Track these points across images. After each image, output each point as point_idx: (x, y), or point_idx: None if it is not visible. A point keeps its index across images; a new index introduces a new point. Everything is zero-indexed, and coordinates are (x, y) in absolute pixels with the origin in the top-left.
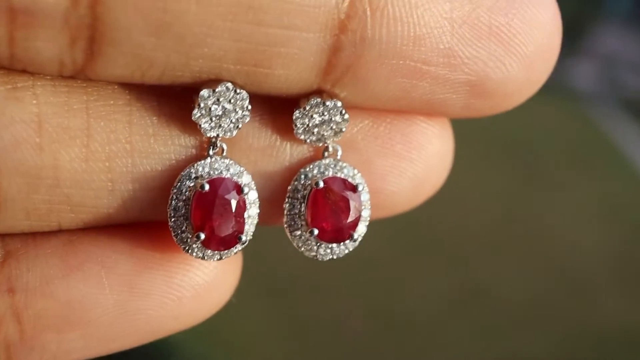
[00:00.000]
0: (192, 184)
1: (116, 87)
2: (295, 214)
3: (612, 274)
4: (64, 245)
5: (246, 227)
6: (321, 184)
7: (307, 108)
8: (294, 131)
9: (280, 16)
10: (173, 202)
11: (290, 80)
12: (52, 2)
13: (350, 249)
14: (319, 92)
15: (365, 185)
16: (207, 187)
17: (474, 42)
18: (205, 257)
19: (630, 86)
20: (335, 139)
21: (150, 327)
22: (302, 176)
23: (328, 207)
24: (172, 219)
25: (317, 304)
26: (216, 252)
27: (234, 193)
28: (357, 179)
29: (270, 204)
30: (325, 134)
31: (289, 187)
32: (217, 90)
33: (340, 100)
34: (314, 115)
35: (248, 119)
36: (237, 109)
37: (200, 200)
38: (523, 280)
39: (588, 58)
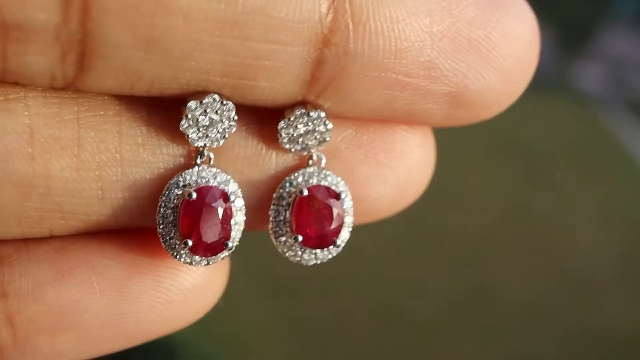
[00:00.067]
0: (180, 192)
1: (106, 98)
2: (281, 220)
3: (615, 274)
4: (55, 251)
5: (233, 233)
6: (305, 192)
7: (292, 119)
8: (279, 141)
9: (265, 31)
10: (161, 209)
11: (275, 92)
12: (43, 18)
13: (334, 254)
14: (303, 103)
15: (349, 192)
16: (194, 195)
17: (454, 54)
18: (193, 263)
19: (637, 88)
20: (319, 148)
21: (140, 330)
22: (287, 184)
23: (312, 214)
24: (161, 226)
25: (320, 304)
26: (203, 258)
27: (220, 201)
28: (341, 186)
29: (256, 210)
30: (310, 143)
31: (274, 195)
32: (204, 101)
33: (324, 110)
34: (299, 126)
35: (234, 129)
36: (224, 120)
37: (188, 208)
38: (526, 280)
39: (595, 60)
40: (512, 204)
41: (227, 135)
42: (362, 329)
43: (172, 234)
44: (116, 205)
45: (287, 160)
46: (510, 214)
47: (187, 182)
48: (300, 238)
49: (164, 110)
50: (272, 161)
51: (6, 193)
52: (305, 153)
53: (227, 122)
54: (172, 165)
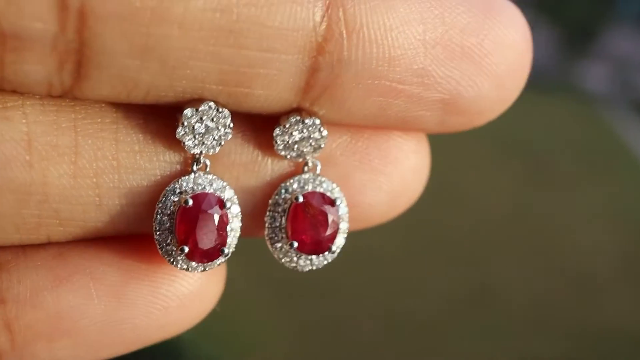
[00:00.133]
0: (176, 199)
1: (103, 106)
2: (276, 226)
3: (618, 274)
4: (53, 258)
5: (229, 240)
6: (301, 198)
7: (287, 126)
8: (275, 147)
9: (260, 40)
10: (158, 216)
11: (270, 99)
12: (41, 28)
13: (329, 260)
14: (298, 110)
15: (344, 199)
16: (190, 202)
17: (447, 62)
18: (190, 269)
19: None
20: (314, 155)
21: (137, 335)
22: (283, 190)
23: (307, 220)
24: (158, 233)
25: (322, 305)
26: (200, 264)
27: (216, 208)
28: (336, 193)
29: (252, 217)
30: (305, 150)
31: (270, 201)
32: (200, 109)
33: (318, 117)
34: (294, 133)
35: (230, 136)
36: (220, 127)
37: (185, 215)
38: (528, 280)
39: (599, 60)
40: (515, 204)
41: (222, 143)
42: (363, 330)
43: (168, 241)
44: (113, 212)
45: (282, 167)
46: (513, 214)
47: (184, 188)
48: (295, 244)
49: (160, 118)
50: (268, 168)
51: (4, 200)
52: (300, 160)
53: (222, 130)
54: (168, 172)
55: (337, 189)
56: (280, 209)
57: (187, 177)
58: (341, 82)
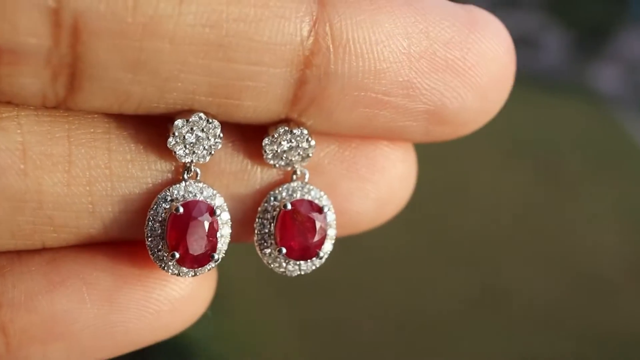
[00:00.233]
0: (167, 207)
1: (96, 116)
2: (265, 233)
3: (630, 275)
4: (47, 263)
5: (219, 245)
6: (289, 206)
7: (276, 135)
8: (264, 157)
9: (249, 53)
10: (150, 223)
11: (259, 110)
12: (35, 43)
13: (317, 266)
14: (286, 121)
15: (331, 206)
16: (181, 209)
17: (431, 74)
18: (181, 274)
19: None
20: (302, 164)
21: (129, 339)
22: (272, 198)
23: (296, 227)
24: (149, 239)
25: (332, 305)
26: (191, 269)
27: (207, 215)
28: (324, 200)
29: (242, 224)
30: (293, 159)
31: (259, 209)
32: (190, 120)
33: (306, 128)
34: (282, 142)
35: (220, 145)
36: (210, 137)
37: (175, 222)
38: (538, 280)
39: (612, 61)
40: (525, 204)
41: (213, 152)
42: (374, 330)
43: (160, 247)
44: (106, 219)
45: (271, 175)
46: (523, 214)
47: (175, 196)
48: (284, 250)
49: (152, 128)
50: (257, 176)
51: (0, 207)
52: (289, 168)
53: (213, 139)
54: (160, 181)
55: (325, 196)
56: (269, 216)
57: (178, 185)
58: (328, 94)
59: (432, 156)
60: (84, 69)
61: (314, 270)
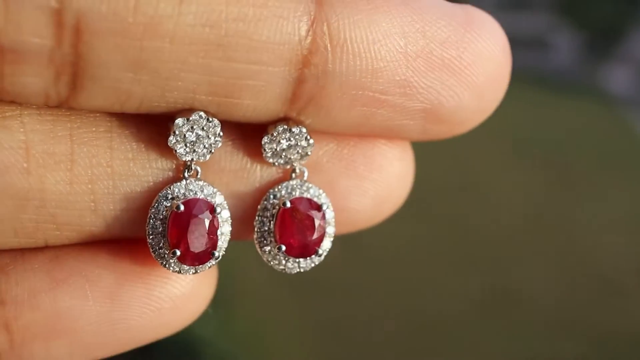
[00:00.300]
0: (168, 204)
1: (98, 115)
2: (265, 231)
3: None
4: (50, 261)
5: (219, 243)
6: (288, 204)
7: (275, 134)
8: (263, 155)
9: (248, 53)
10: (151, 221)
11: (258, 109)
12: (38, 42)
13: (316, 263)
14: (285, 120)
15: (330, 204)
16: (182, 207)
17: (428, 73)
18: (182, 272)
19: None
20: (301, 162)
21: (131, 335)
22: (271, 196)
23: (295, 225)
24: (151, 237)
25: (341, 305)
26: (192, 266)
27: (207, 213)
28: (322, 198)
29: (242, 221)
30: (292, 157)
31: (259, 206)
32: (191, 118)
33: (305, 126)
34: (282, 141)
35: (220, 144)
36: (210, 136)
37: (176, 220)
38: (549, 282)
39: (623, 62)
40: (537, 206)
41: (213, 150)
42: (383, 331)
43: (161, 244)
44: (108, 217)
45: (270, 173)
46: (533, 215)
47: (176, 194)
48: (283, 248)
49: (152, 127)
50: (257, 174)
51: (3, 205)
52: (288, 167)
53: (213, 138)
54: (161, 179)
55: (324, 194)
56: (268, 214)
57: (178, 183)
58: (326, 93)
59: (440, 156)
60: (86, 68)
61: (316, 268)
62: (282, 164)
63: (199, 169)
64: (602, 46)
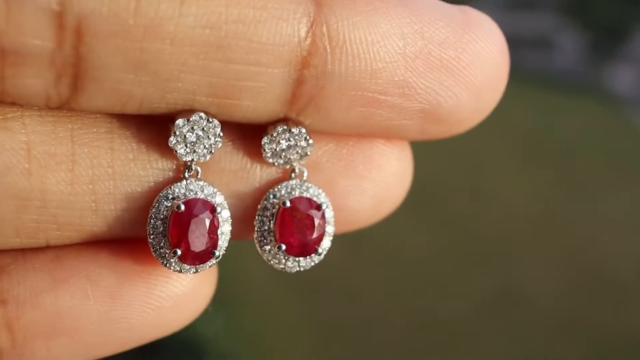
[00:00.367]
0: (169, 204)
1: (99, 116)
2: (265, 230)
3: None
4: (51, 261)
5: (219, 243)
6: (288, 203)
7: (275, 134)
8: (263, 155)
9: (248, 54)
10: (152, 220)
11: (258, 110)
12: (39, 44)
13: (316, 262)
14: (285, 120)
15: (330, 203)
16: (183, 207)
17: (427, 74)
18: (183, 271)
19: None
20: (301, 162)
21: (132, 335)
22: (271, 196)
23: (295, 224)
24: (151, 236)
25: (346, 306)
26: (192, 266)
27: (207, 212)
28: (322, 198)
29: (242, 221)
30: (292, 157)
31: (259, 206)
32: (191, 119)
33: (304, 127)
34: (281, 141)
35: (220, 144)
36: (210, 136)
37: (177, 219)
38: (555, 283)
39: (628, 62)
40: (542, 206)
41: (213, 151)
42: (389, 331)
43: (162, 244)
44: (109, 217)
45: (270, 173)
46: (540, 216)
47: (176, 194)
48: (283, 247)
49: (153, 127)
50: (257, 174)
51: (4, 206)
52: (287, 166)
53: (213, 138)
54: (161, 179)
55: (323, 194)
56: (268, 214)
57: (179, 183)
58: (326, 94)
59: (446, 157)
60: (87, 70)
61: (319, 267)
62: (281, 164)
63: (199, 169)
64: (606, 46)
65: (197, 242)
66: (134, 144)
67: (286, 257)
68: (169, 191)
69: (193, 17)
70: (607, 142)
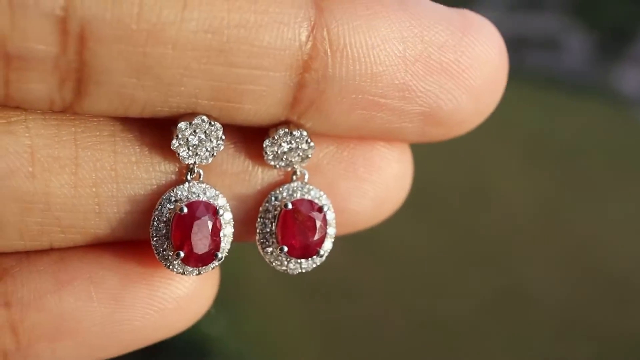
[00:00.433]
0: (172, 207)
1: (102, 120)
2: (267, 232)
3: None
4: (55, 263)
5: (222, 245)
6: (290, 206)
7: (276, 137)
8: (265, 158)
9: (249, 58)
10: (155, 223)
11: (259, 113)
12: (43, 49)
13: (318, 264)
14: (286, 123)
15: (331, 205)
16: (185, 209)
17: (426, 77)
18: (185, 273)
19: None
20: (302, 164)
21: (135, 336)
22: (273, 198)
23: (296, 226)
24: (154, 239)
25: (351, 307)
26: (195, 268)
27: (210, 215)
28: (323, 200)
29: (244, 223)
30: (293, 160)
31: (261, 208)
32: (193, 122)
33: (306, 130)
34: (283, 144)
35: (222, 147)
36: (212, 139)
37: (180, 222)
38: (559, 283)
39: (636, 63)
40: (547, 206)
41: (215, 153)
42: (392, 332)
43: (165, 246)
44: (112, 220)
45: (272, 176)
46: (545, 216)
47: (179, 197)
48: (285, 249)
49: (156, 131)
50: (258, 177)
51: (9, 209)
52: (289, 169)
53: (215, 141)
54: (164, 182)
55: (325, 196)
56: (270, 216)
57: (181, 186)
58: (327, 97)
59: (450, 158)
60: (90, 74)
61: (322, 269)
62: (283, 166)
63: (201, 171)
64: (614, 47)
65: (200, 244)
66: (137, 147)
67: (288, 259)
68: (172, 194)
69: (195, 21)
70: (614, 143)
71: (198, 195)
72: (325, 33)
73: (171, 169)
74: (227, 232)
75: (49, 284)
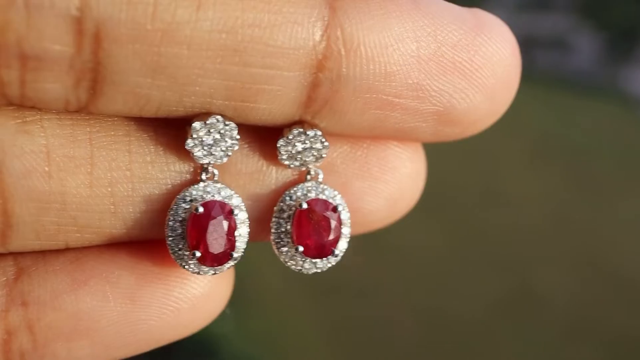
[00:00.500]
0: (187, 207)
1: (116, 119)
2: (282, 232)
3: None
4: (71, 263)
5: (237, 244)
6: (304, 205)
7: (290, 137)
8: (279, 157)
9: (264, 58)
10: (170, 222)
11: (274, 113)
12: (59, 49)
13: (333, 263)
14: (300, 123)
15: (345, 205)
16: (201, 209)
17: (440, 76)
18: (201, 273)
19: None
20: (316, 164)
21: (151, 336)
22: (287, 198)
23: (311, 226)
24: (170, 238)
25: (360, 306)
26: (210, 267)
27: (225, 214)
28: (337, 199)
29: (259, 223)
30: (307, 159)
31: (275, 208)
32: (208, 122)
33: (320, 129)
34: (297, 144)
35: (237, 147)
36: (227, 139)
37: (195, 221)
38: (570, 284)
39: None
40: (557, 207)
41: (230, 153)
42: (403, 332)
43: (180, 246)
44: (127, 219)
45: (286, 175)
46: (555, 216)
47: (194, 197)
48: (301, 248)
49: (170, 130)
50: (273, 176)
51: (25, 208)
52: (303, 169)
53: (229, 141)
54: (179, 181)
55: (339, 196)
56: (285, 215)
57: (196, 185)
58: (341, 97)
59: (461, 158)
60: (106, 74)
61: (333, 268)
62: (297, 166)
63: (216, 171)
64: (623, 48)
65: (216, 244)
66: (152, 147)
67: (303, 259)
68: (187, 193)
69: (210, 21)
70: (623, 144)
71: (213, 195)
72: (339, 32)
73: (186, 168)
74: (242, 231)
75: (65, 284)
